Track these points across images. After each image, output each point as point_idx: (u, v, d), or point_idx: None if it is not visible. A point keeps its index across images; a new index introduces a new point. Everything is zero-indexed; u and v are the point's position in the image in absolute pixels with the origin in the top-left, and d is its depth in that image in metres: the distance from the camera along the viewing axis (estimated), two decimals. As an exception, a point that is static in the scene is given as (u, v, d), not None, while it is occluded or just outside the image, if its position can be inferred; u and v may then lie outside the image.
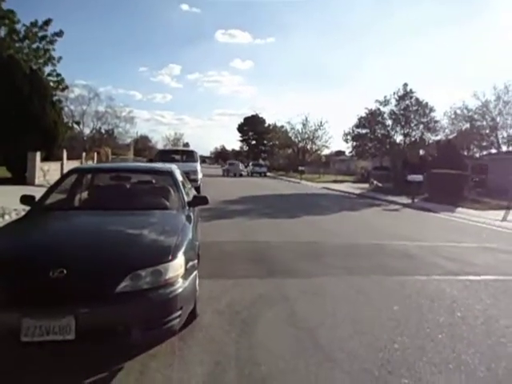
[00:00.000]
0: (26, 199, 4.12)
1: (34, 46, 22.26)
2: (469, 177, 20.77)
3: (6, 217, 7.52)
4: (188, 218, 4.04)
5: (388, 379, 2.72)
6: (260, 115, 78.96)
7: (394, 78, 76.23)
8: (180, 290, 2.84)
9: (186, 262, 3.07)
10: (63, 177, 4.66)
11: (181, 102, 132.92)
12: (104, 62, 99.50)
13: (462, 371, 2.88)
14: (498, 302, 4.53)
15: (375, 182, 25.64)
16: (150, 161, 17.58)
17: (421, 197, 18.07)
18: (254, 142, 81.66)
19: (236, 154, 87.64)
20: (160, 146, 58.49)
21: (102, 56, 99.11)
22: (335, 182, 31.73)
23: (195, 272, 3.28)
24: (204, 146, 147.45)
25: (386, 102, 26.97)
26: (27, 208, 4.14)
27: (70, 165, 16.12)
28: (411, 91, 26.51)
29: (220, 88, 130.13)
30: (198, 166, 16.65)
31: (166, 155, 17.71)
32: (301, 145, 54.48)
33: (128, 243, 3.02)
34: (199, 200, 4.56)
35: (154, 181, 5.40)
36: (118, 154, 37.03)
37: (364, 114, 28.04)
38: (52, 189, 4.27)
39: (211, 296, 4.19)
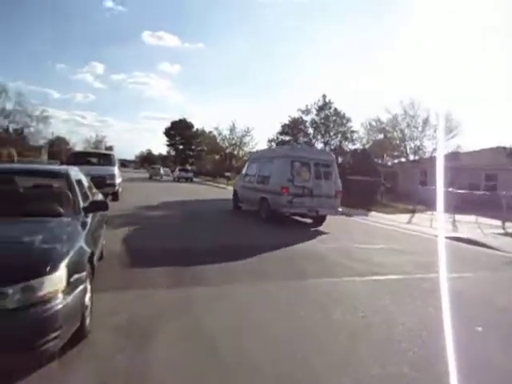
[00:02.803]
0: None
1: None
2: (380, 183, 22.45)
3: None
4: (82, 225, 3.67)
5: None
6: (188, 120, 77.68)
7: (316, 89, 79.78)
8: (59, 306, 2.51)
9: (70, 275, 2.73)
10: None
11: (104, 102, 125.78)
12: (14, 55, 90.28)
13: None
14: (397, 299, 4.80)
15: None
16: (62, 164, 16.23)
17: (338, 202, 19.08)
18: (181, 147, 79.99)
19: (163, 159, 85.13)
20: (79, 149, 54.28)
21: (11, 48, 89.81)
22: (261, 187, 32.19)
23: (83, 285, 2.94)
24: (130, 150, 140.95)
25: (307, 111, 28.25)
26: None
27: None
28: (330, 102, 28.09)
29: (147, 91, 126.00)
30: (116, 169, 15.70)
31: (80, 158, 16.37)
32: (228, 150, 54.64)
33: (-2, 255, 2.60)
34: (97, 205, 4.18)
35: (54, 184, 4.84)
36: (26, 155, 33.69)
37: (287, 122, 29.02)
38: None
39: (110, 310, 3.83)
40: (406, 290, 5.26)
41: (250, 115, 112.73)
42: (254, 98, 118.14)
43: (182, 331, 3.51)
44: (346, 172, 24.82)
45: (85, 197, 4.43)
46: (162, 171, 47.71)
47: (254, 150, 53.75)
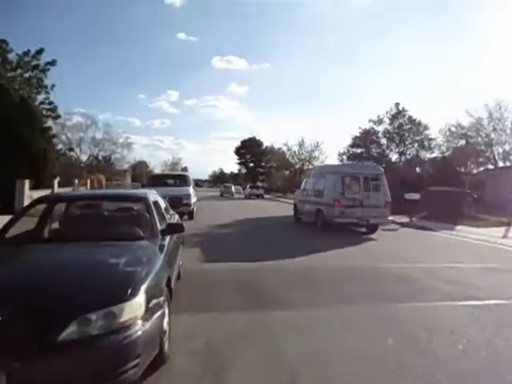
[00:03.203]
0: (-16, 233, 3.80)
1: (27, 74, 22.47)
2: (467, 193, 20.48)
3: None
4: (160, 248, 3.71)
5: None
6: (257, 138, 79.25)
7: (388, 98, 76.08)
8: (138, 334, 2.49)
9: (149, 300, 2.72)
10: (27, 207, 4.34)
11: (179, 127, 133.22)
12: (103, 91, 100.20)
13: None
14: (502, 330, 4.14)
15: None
16: (143, 186, 17.36)
17: (419, 215, 17.74)
18: (251, 165, 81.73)
19: (234, 177, 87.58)
20: (158, 171, 58.30)
21: (101, 85, 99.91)
22: (333, 202, 31.33)
23: (161, 311, 2.92)
24: (203, 170, 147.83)
25: (379, 121, 27.04)
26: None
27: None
28: (404, 110, 26.61)
29: (217, 112, 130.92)
30: (191, 190, 16.36)
31: (158, 180, 17.45)
32: (298, 166, 54.39)
33: (80, 282, 2.67)
34: (174, 228, 4.23)
35: (134, 207, 5.07)
36: (114, 179, 36.84)
37: (358, 134, 28.07)
38: (12, 221, 3.94)
39: (188, 334, 3.81)
40: (511, 319, 4.55)
41: (320, 130, 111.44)
42: (323, 113, 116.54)
43: (260, 358, 3.33)
44: (425, 183, 23.12)
45: (162, 219, 4.53)
46: (232, 189, 49.36)
47: (324, 164, 53.44)
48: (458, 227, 14.51)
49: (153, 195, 4.86)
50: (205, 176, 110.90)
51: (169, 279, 3.44)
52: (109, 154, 47.33)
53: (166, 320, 3.14)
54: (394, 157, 27.30)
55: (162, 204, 5.47)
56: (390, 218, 17.24)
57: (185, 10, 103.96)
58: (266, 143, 75.50)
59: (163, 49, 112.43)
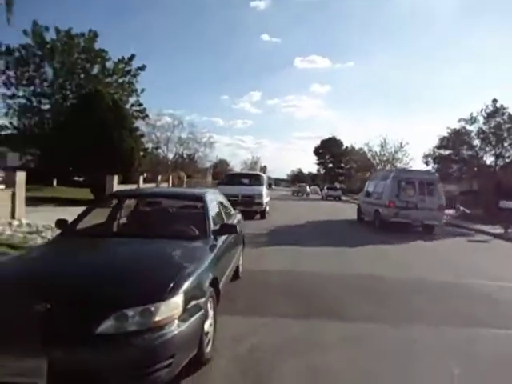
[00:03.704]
0: (59, 223, 4.17)
1: (121, 80, 24.71)
2: None
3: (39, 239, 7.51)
4: (211, 248, 3.71)
5: None
6: (338, 138, 77.32)
7: (480, 96, 67.48)
8: (174, 333, 2.49)
9: (188, 301, 2.72)
10: (100, 201, 4.68)
11: (260, 126, 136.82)
12: (190, 93, 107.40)
13: None
14: None
15: (462, 208, 22.95)
16: (219, 184, 17.95)
17: (517, 226, 15.63)
18: (330, 165, 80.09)
19: (313, 177, 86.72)
20: (237, 170, 60.11)
21: (188, 87, 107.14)
22: (416, 207, 29.16)
23: (202, 311, 2.88)
24: (282, 169, 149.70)
25: (472, 120, 24.36)
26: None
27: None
28: (502, 107, 23.61)
29: (298, 112, 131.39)
30: (264, 189, 16.44)
31: (233, 179, 17.90)
32: (379, 167, 51.76)
33: (124, 278, 2.76)
34: (227, 229, 4.21)
35: (195, 205, 5.17)
36: (193, 177, 38.82)
37: (446, 134, 25.68)
38: (84, 213, 4.27)
39: (235, 337, 3.75)
40: None
41: (404, 130, 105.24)
42: (407, 113, 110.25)
43: (305, 373, 3.15)
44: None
45: (218, 219, 4.55)
46: (308, 189, 50.80)
47: (408, 166, 50.12)
48: None
49: (212, 194, 4.91)
50: (283, 175, 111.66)
51: (215, 280, 3.41)
52: (193, 153, 49.94)
53: (208, 321, 3.12)
54: (488, 160, 24.47)
55: (222, 203, 5.52)
56: (484, 227, 15.62)
57: (269, 11, 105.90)
58: (346, 143, 73.29)
59: (247, 50, 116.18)
